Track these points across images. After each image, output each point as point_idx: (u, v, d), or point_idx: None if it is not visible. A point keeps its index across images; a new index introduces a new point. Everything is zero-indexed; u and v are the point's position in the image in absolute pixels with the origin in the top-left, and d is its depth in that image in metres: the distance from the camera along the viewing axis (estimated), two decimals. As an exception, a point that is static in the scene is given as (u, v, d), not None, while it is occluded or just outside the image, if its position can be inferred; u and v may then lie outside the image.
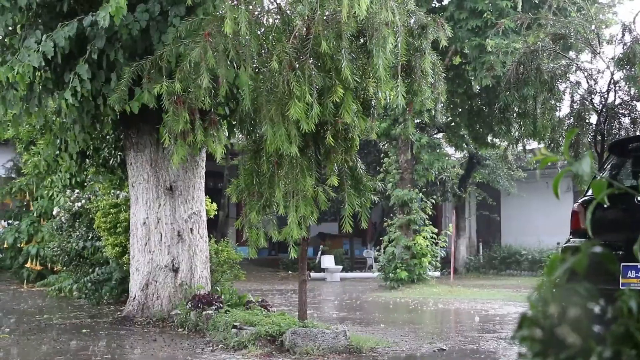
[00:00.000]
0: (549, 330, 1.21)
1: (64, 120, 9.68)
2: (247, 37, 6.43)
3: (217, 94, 7.35)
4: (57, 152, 10.66)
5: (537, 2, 14.73)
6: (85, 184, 13.56)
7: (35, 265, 15.70)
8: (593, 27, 11.49)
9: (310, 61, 6.26)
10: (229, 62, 6.72)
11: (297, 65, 6.27)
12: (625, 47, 10.95)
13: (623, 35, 11.01)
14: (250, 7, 6.61)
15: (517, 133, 12.91)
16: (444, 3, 17.07)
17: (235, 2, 6.47)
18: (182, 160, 7.31)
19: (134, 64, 7.44)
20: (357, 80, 6.44)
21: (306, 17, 6.65)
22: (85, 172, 11.95)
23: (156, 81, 7.24)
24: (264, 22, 7.06)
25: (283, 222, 7.43)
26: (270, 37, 6.88)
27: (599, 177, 6.74)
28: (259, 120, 7.03)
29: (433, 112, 15.95)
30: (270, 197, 6.91)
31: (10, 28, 8.42)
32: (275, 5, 7.16)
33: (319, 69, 6.35)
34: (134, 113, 8.30)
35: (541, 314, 1.22)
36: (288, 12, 7.15)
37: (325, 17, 6.41)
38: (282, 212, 6.66)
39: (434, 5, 16.80)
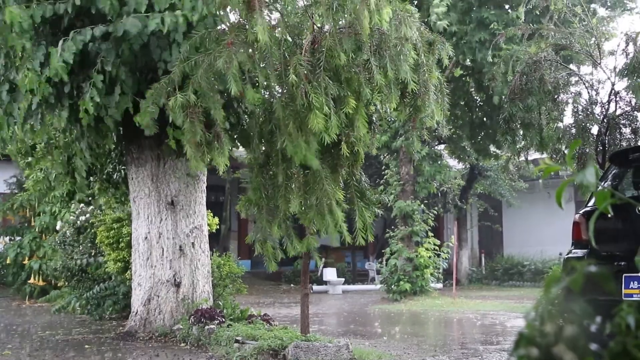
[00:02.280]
0: (546, 349, 1.21)
1: (67, 136, 9.71)
2: (266, 44, 6.42)
3: (225, 106, 7.35)
4: (61, 169, 10.67)
5: (538, 13, 14.79)
6: (90, 199, 13.58)
7: (38, 281, 15.69)
8: (593, 39, 11.51)
9: (323, 73, 6.27)
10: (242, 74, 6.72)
11: (312, 77, 6.27)
12: (628, 57, 10.97)
13: (627, 45, 11.03)
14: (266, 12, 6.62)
15: (522, 144, 12.92)
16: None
17: (249, 8, 6.48)
18: (189, 174, 7.32)
19: (154, 86, 7.45)
20: (369, 92, 6.46)
21: (312, 30, 6.67)
22: (90, 188, 11.98)
23: (163, 94, 7.25)
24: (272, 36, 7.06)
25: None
26: (275, 51, 6.87)
27: (601, 187, 6.74)
28: (266, 132, 7.03)
29: (435, 127, 15.99)
30: (287, 210, 6.89)
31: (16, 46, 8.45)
32: (281, 19, 7.16)
33: (332, 80, 6.36)
34: (135, 128, 8.30)
35: (538, 332, 1.22)
36: (293, 25, 7.15)
37: (338, 30, 6.42)
38: (315, 225, 6.66)
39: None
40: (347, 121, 6.41)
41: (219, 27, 7.83)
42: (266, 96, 7.08)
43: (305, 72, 6.21)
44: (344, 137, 6.61)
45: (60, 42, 7.75)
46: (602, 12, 17.13)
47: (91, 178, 11.53)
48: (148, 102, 7.42)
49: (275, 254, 7.23)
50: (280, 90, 6.74)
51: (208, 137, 7.06)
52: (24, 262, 16.09)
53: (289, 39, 6.80)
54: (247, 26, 6.51)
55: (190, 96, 6.71)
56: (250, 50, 6.57)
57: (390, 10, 6.20)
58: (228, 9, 7.15)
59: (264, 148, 7.25)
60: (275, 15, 7.17)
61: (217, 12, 7.91)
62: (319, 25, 6.74)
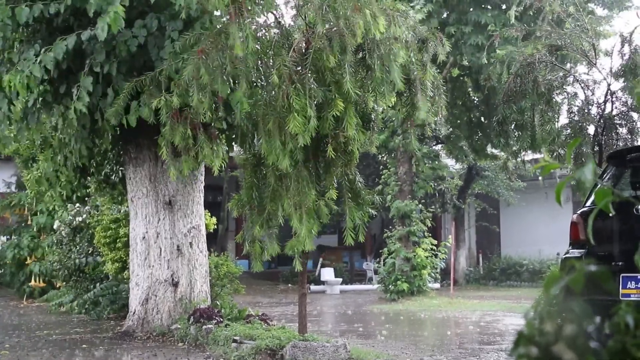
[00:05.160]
0: (545, 348, 1.21)
1: (62, 135, 9.70)
2: (245, 52, 6.42)
3: (217, 108, 7.36)
4: (57, 167, 10.68)
5: (532, 14, 14.79)
6: (87, 199, 13.57)
7: (39, 282, 15.68)
8: (589, 38, 11.51)
9: (309, 75, 6.26)
10: (224, 77, 6.72)
11: (297, 79, 6.27)
12: (624, 58, 10.97)
13: (622, 46, 11.03)
14: (248, 20, 6.60)
15: (515, 145, 12.93)
16: (443, 16, 17.10)
17: (230, 18, 6.48)
18: (180, 174, 7.32)
19: (134, 80, 7.46)
20: (358, 93, 6.45)
21: (305, 31, 6.66)
22: (86, 188, 11.98)
23: (155, 96, 7.26)
24: (263, 36, 7.06)
25: (284, 235, 7.43)
26: (268, 51, 6.88)
27: (599, 186, 6.75)
28: (257, 134, 7.05)
29: (433, 125, 15.98)
30: (273, 210, 6.90)
31: (8, 42, 8.44)
32: (274, 20, 7.17)
33: (318, 82, 6.36)
34: (132, 128, 8.32)
35: (537, 331, 1.22)
36: (287, 25, 7.16)
37: (326, 31, 6.41)
38: (293, 226, 6.63)
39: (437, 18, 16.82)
40: (334, 123, 6.39)
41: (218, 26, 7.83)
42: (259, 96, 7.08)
43: (290, 73, 6.20)
44: (332, 138, 6.58)
45: (43, 50, 7.77)
46: (599, 11, 17.11)
47: (88, 178, 11.53)
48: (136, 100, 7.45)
49: (262, 255, 7.23)
50: (262, 91, 6.75)
51: (204, 138, 7.07)
52: (22, 262, 16.07)
53: (278, 39, 6.80)
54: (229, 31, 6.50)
55: (174, 99, 6.73)
56: (227, 55, 6.55)
57: (384, 20, 6.17)
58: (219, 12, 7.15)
59: (257, 148, 7.26)
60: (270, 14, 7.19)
61: (213, 12, 7.93)
62: (311, 26, 6.74)
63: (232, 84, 7.08)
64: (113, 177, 11.33)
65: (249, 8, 6.62)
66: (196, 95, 6.47)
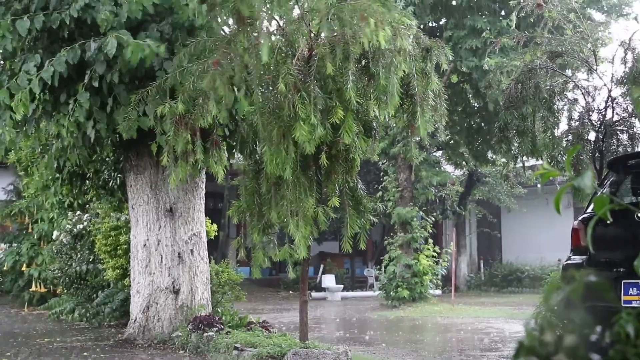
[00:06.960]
0: (546, 358, 1.21)
1: (62, 144, 9.71)
2: (254, 61, 6.43)
3: (219, 115, 7.38)
4: (57, 174, 10.69)
5: (532, 20, 14.82)
6: (87, 206, 13.56)
7: (39, 288, 15.65)
8: (589, 45, 11.51)
9: (314, 83, 6.27)
10: (230, 86, 6.73)
11: (302, 87, 6.28)
12: (627, 65, 10.95)
13: (625, 53, 11.01)
14: (254, 30, 6.61)
15: (516, 151, 12.92)
16: (441, 23, 17.15)
17: (240, 21, 6.48)
18: (181, 181, 7.33)
19: (140, 91, 7.46)
20: (359, 101, 6.45)
21: (309, 39, 6.67)
22: (85, 195, 11.97)
23: (158, 104, 7.28)
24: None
25: (281, 242, 7.44)
26: (272, 59, 6.88)
27: (599, 193, 6.76)
28: (259, 141, 7.06)
29: (434, 133, 15.96)
30: (271, 217, 6.91)
31: (10, 53, 8.45)
32: (277, 28, 7.18)
33: (321, 90, 6.37)
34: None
35: (538, 342, 1.22)
36: (290, 33, 7.16)
37: (330, 39, 6.42)
38: (290, 232, 6.62)
39: (431, 25, 16.87)
40: (333, 130, 6.40)
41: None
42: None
43: (295, 81, 6.21)
44: (329, 147, 6.59)
45: (46, 62, 7.80)
46: (598, 16, 17.13)
47: (87, 183, 11.53)
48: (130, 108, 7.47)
49: (262, 261, 7.24)
50: (266, 98, 6.75)
51: (201, 145, 7.09)
52: (23, 270, 16.06)
53: (283, 47, 6.81)
54: (238, 38, 6.52)
55: (179, 105, 6.75)
56: (240, 60, 6.56)
57: (389, 30, 6.16)
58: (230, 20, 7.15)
59: (258, 154, 7.28)
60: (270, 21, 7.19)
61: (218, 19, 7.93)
62: (314, 33, 6.75)
63: (236, 92, 7.09)
64: (111, 184, 11.34)
65: (251, 18, 6.63)
66: (215, 108, 6.50)
